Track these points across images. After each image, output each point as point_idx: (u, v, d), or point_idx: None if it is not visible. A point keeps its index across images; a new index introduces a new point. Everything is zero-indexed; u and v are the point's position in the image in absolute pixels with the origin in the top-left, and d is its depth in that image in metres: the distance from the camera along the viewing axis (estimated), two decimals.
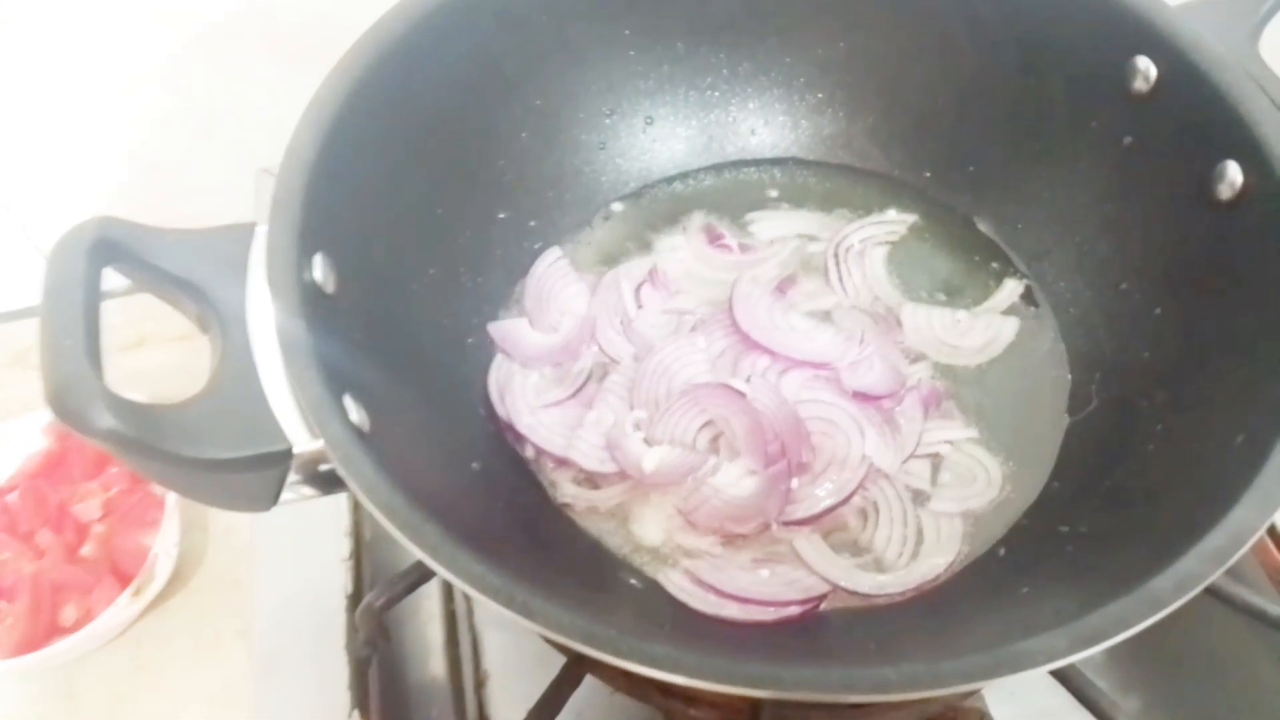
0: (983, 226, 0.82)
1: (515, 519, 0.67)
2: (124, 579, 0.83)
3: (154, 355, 0.99)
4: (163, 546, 0.84)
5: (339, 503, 0.81)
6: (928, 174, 0.84)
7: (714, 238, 0.83)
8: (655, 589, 0.66)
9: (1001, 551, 0.66)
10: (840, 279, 0.80)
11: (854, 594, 0.66)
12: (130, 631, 0.85)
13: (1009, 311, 0.78)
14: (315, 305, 0.55)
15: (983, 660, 0.44)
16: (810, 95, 0.85)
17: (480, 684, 0.87)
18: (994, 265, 0.81)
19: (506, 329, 0.77)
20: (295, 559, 0.80)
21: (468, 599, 0.91)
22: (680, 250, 0.83)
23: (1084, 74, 0.72)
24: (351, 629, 0.72)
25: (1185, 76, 0.65)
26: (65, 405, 0.47)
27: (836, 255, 0.81)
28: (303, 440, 0.51)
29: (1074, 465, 0.69)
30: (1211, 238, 0.65)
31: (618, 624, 0.47)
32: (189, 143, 0.93)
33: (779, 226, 0.84)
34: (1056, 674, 0.66)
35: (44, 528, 0.86)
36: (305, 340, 0.52)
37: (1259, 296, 0.60)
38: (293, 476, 0.53)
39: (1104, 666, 0.87)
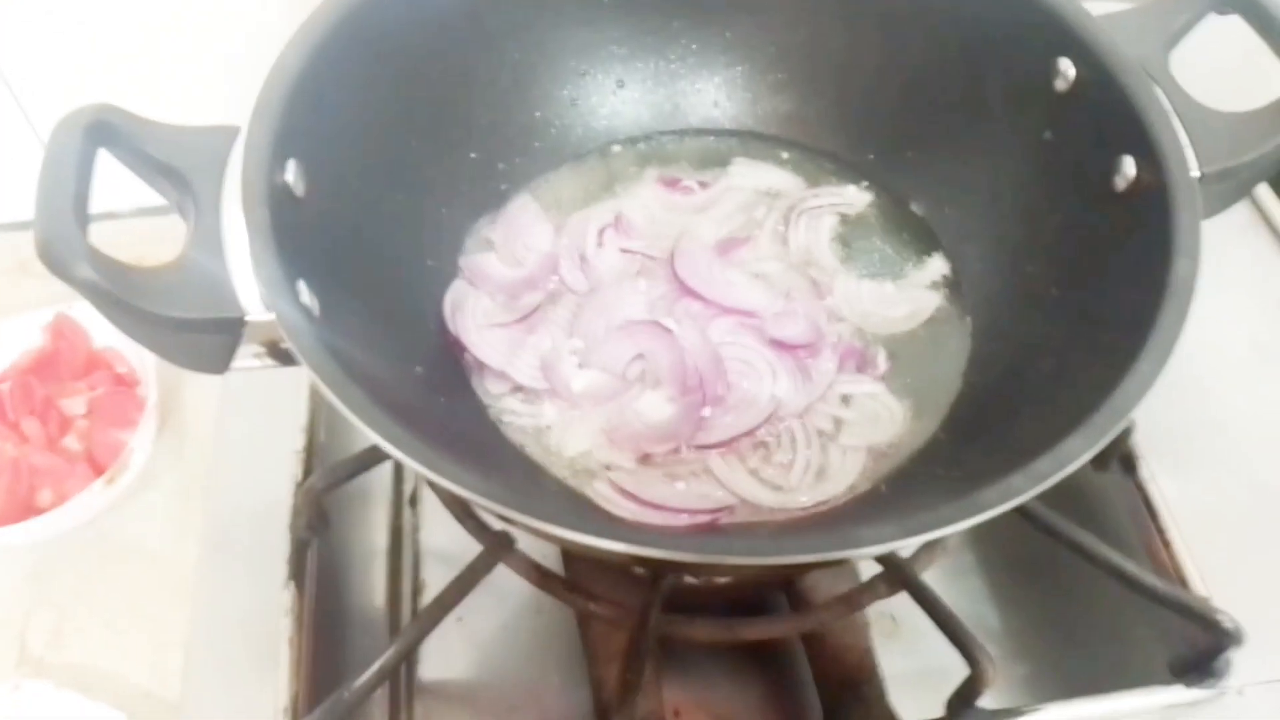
0: (915, 208, 0.88)
1: (451, 423, 0.72)
2: (99, 470, 0.88)
3: None
4: (139, 442, 0.89)
5: (299, 401, 0.87)
6: (871, 156, 0.89)
7: (672, 183, 0.89)
8: (578, 499, 0.72)
9: (884, 488, 0.72)
10: (785, 234, 0.86)
11: (757, 508, 0.71)
12: (100, 524, 0.88)
13: (931, 287, 0.84)
14: (283, 202, 0.62)
15: (821, 539, 0.50)
16: (771, 76, 0.91)
17: (417, 592, 0.93)
18: (922, 244, 0.86)
19: (476, 261, 0.83)
20: (252, 446, 0.85)
21: (414, 513, 0.97)
22: (643, 197, 0.88)
23: (1017, 71, 0.77)
24: (296, 512, 0.78)
25: (1099, 78, 0.71)
26: (50, 256, 0.53)
27: (791, 211, 0.87)
28: (256, 311, 0.57)
29: (960, 420, 0.74)
30: (1105, 225, 0.70)
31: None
32: (194, 50, 0.98)
33: (755, 174, 0.90)
34: (926, 605, 0.72)
35: (30, 417, 0.91)
36: (268, 226, 0.59)
37: (1137, 278, 0.65)
38: (257, 348, 0.60)
39: (997, 634, 0.94)
